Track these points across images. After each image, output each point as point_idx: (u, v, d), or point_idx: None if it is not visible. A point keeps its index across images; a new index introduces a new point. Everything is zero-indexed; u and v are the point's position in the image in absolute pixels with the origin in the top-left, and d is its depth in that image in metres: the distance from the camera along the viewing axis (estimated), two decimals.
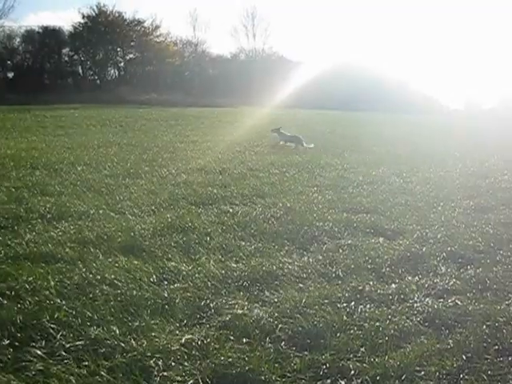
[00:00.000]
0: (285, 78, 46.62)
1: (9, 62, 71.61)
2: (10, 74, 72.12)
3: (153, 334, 4.38)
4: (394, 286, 5.53)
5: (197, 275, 5.60)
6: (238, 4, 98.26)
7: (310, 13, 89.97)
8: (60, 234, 7.05)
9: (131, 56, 73.63)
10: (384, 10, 78.36)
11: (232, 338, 4.38)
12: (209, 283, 5.41)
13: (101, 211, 8.25)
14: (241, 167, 12.84)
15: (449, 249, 6.76)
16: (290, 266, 6.00)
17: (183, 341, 4.26)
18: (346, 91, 50.67)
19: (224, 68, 64.16)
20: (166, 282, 5.42)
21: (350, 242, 7.01)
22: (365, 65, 56.56)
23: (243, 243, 6.79)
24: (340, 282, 5.63)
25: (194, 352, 4.15)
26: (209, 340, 4.31)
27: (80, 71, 74.41)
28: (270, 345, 4.30)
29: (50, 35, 69.49)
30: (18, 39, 70.82)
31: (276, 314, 4.77)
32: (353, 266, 6.07)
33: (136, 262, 5.95)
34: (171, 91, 54.77)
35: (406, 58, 60.62)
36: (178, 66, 67.20)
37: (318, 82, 47.57)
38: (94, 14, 70.56)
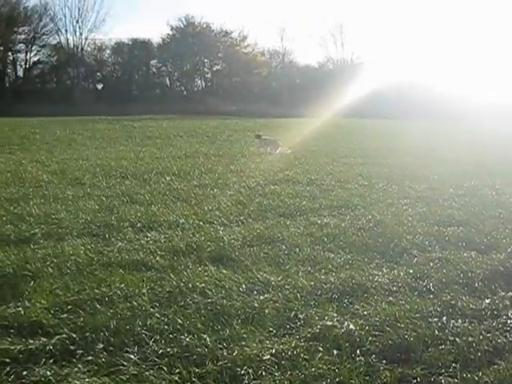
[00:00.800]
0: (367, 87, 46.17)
1: (98, 74, 74.19)
2: (99, 86, 74.67)
3: (243, 343, 4.42)
4: (487, 301, 5.37)
5: (286, 286, 5.61)
6: (325, 13, 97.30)
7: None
8: (150, 242, 7.23)
9: (218, 67, 74.78)
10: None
11: (322, 349, 4.36)
12: (298, 294, 5.41)
13: (190, 221, 8.42)
14: (329, 178, 12.78)
15: None
16: (379, 279, 5.92)
17: (273, 351, 4.28)
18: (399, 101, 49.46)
19: (311, 78, 64.00)
20: (255, 292, 5.46)
21: (440, 255, 6.84)
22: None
23: (332, 255, 6.76)
24: (431, 296, 5.50)
25: (284, 362, 4.16)
26: (299, 351, 4.32)
27: (167, 82, 76.18)
28: (360, 357, 4.26)
29: (138, 47, 71.52)
30: (108, 51, 73.46)
31: (366, 327, 4.72)
32: (444, 280, 5.93)
33: (225, 272, 6.03)
34: (258, 102, 55.23)
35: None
36: (265, 76, 67.74)
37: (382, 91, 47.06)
38: (182, 26, 72.18)
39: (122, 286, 5.55)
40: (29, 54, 70.23)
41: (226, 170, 14.30)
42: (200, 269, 6.13)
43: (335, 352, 4.32)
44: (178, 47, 69.29)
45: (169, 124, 35.31)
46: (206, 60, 74.14)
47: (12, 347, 4.33)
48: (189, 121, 39.49)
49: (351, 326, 4.72)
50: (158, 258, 6.49)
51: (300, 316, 4.94)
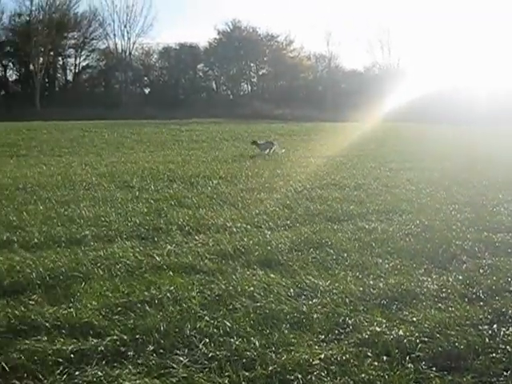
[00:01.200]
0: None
1: (146, 78, 75.01)
2: (147, 90, 75.52)
3: (292, 347, 4.42)
4: None
5: (334, 291, 5.59)
6: (370, 17, 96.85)
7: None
8: (199, 245, 7.30)
9: (264, 71, 74.82)
10: None
11: (371, 355, 4.34)
12: (347, 300, 5.39)
13: (238, 224, 8.45)
14: (376, 183, 12.68)
15: None
16: (428, 285, 5.85)
17: (323, 356, 4.27)
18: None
19: (357, 82, 63.61)
20: (303, 297, 5.45)
21: (490, 261, 6.72)
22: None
23: (380, 260, 6.70)
24: (481, 303, 5.41)
25: (333, 368, 4.15)
26: (348, 356, 4.30)
27: (214, 86, 76.54)
28: (410, 364, 4.22)
29: (185, 51, 72.01)
30: (155, 56, 74.20)
31: (416, 334, 4.67)
32: (494, 287, 5.82)
33: (273, 276, 6.03)
34: (304, 106, 55.05)
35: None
36: (311, 80, 67.60)
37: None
38: (228, 30, 72.50)
39: (172, 288, 5.61)
40: (78, 58, 71.79)
41: (273, 173, 14.32)
42: (248, 273, 6.15)
43: (385, 358, 4.29)
44: (225, 51, 69.55)
45: (215, 128, 35.48)
46: (252, 64, 74.30)
47: (64, 347, 4.41)
48: (235, 125, 39.62)
49: (400, 332, 4.68)
50: (206, 261, 6.54)
51: (349, 321, 4.91)
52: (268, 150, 20.20)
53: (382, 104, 42.33)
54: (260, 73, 74.92)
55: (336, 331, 4.74)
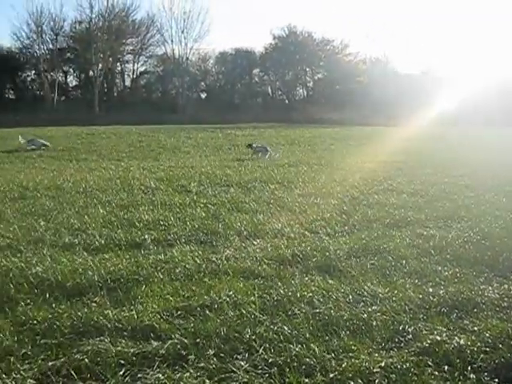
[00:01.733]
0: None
1: (202, 83, 75.80)
2: (203, 95, 76.29)
3: (351, 354, 4.41)
4: None
5: (394, 298, 5.53)
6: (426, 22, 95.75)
7: None
8: (257, 250, 7.32)
9: (320, 76, 74.69)
10: None
11: (432, 364, 4.29)
12: (406, 307, 5.33)
13: (295, 230, 8.46)
14: (433, 189, 12.49)
15: None
16: (489, 294, 5.73)
17: (383, 364, 4.24)
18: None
19: (413, 86, 62.63)
20: (362, 304, 5.42)
21: None
22: None
23: (439, 268, 6.60)
24: None
25: (393, 376, 4.12)
26: (408, 365, 4.26)
27: (269, 91, 76.81)
28: (472, 375, 4.16)
29: (241, 56, 72.58)
30: (212, 61, 75.05)
31: (477, 343, 4.59)
32: None
33: (332, 282, 6.02)
34: (359, 110, 54.60)
35: None
36: (367, 84, 66.93)
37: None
38: (284, 35, 72.66)
39: (231, 293, 5.65)
40: (136, 64, 73.37)
41: (329, 179, 14.26)
42: (307, 278, 6.15)
43: (446, 368, 4.24)
44: (280, 56, 69.79)
45: (271, 133, 35.63)
46: (307, 68, 74.26)
47: (127, 349, 4.50)
48: (290, 129, 39.72)
49: (461, 342, 4.61)
50: (265, 267, 6.56)
51: (408, 329, 4.86)
52: (261, 155, 21.38)
53: (438, 108, 41.81)
54: (315, 77, 74.87)
55: (396, 339, 4.69)
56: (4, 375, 4.19)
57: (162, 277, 6.25)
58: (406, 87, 60.54)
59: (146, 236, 8.04)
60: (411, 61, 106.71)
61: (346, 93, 64.72)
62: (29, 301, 5.59)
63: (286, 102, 73.84)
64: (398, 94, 56.78)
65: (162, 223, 8.95)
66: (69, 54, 70.06)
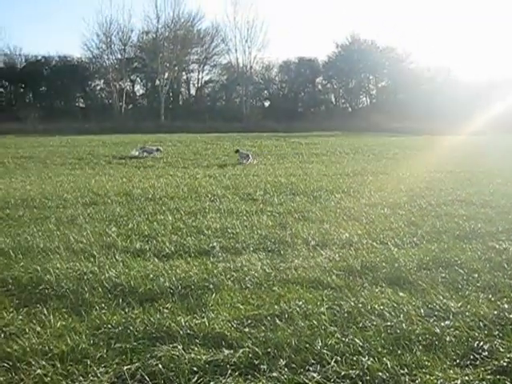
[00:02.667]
0: None
1: (265, 92, 76.27)
2: (266, 103, 76.71)
3: (425, 370, 4.33)
4: None
5: (467, 313, 5.40)
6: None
7: None
8: (326, 261, 7.29)
9: (383, 83, 74.10)
10: None
11: None
12: (480, 323, 5.19)
13: (363, 240, 8.38)
14: (504, 200, 12.10)
15: None
16: None
17: (459, 381, 4.16)
18: None
19: (478, 93, 61.19)
20: (434, 318, 5.31)
21: None
22: None
23: None
24: None
25: None
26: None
27: (333, 99, 76.63)
28: None
29: (305, 65, 72.88)
30: (275, 70, 75.41)
31: None
32: None
33: (402, 295, 5.93)
34: (423, 119, 53.83)
35: None
36: (431, 92, 65.91)
37: None
38: (347, 43, 72.53)
39: (300, 303, 5.64)
40: (201, 73, 74.60)
41: (395, 188, 14.09)
42: (377, 290, 6.08)
43: None
44: (344, 64, 69.70)
45: (334, 141, 35.47)
46: (371, 76, 73.89)
47: (199, 356, 4.54)
48: (354, 138, 39.46)
49: None
50: (333, 277, 6.51)
51: (484, 346, 4.73)
52: (245, 160, 23.05)
53: (504, 116, 40.92)
54: (379, 85, 74.36)
55: (471, 356, 4.57)
56: (81, 377, 4.29)
57: (231, 285, 6.30)
58: (471, 95, 59.39)
59: (215, 243, 8.12)
60: (476, 68, 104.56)
61: (409, 101, 63.82)
62: (103, 305, 5.73)
63: (349, 110, 73.55)
64: (463, 101, 55.65)
65: (229, 231, 9.02)
66: (136, 64, 71.98)
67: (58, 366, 4.43)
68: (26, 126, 50.97)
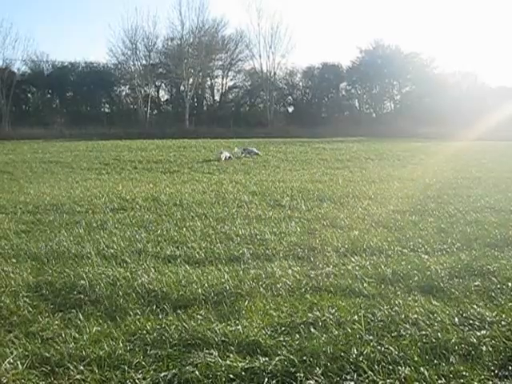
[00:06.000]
0: None
1: (289, 97, 76.30)
2: (290, 109, 76.75)
3: (462, 381, 4.31)
4: None
5: (502, 323, 5.34)
6: None
7: None
8: (356, 268, 7.26)
9: (407, 89, 73.63)
10: None
11: None
12: None
13: (393, 247, 8.34)
14: None
15: None
16: None
17: None
18: None
19: (505, 99, 60.50)
20: (469, 327, 5.27)
21: None
22: None
23: None
24: None
25: None
26: None
27: (356, 105, 76.42)
28: None
29: (328, 70, 72.74)
30: (299, 75, 75.39)
31: None
32: None
33: (436, 303, 5.89)
34: (449, 124, 53.24)
35: None
36: (456, 98, 65.37)
37: None
38: (371, 48, 72.29)
39: (334, 311, 5.64)
40: (225, 79, 74.92)
41: (422, 195, 13.99)
42: (410, 298, 6.04)
43: None
44: (367, 69, 69.32)
45: (359, 146, 35.29)
46: (395, 82, 73.41)
47: (235, 364, 4.56)
48: (378, 143, 39.22)
49: None
50: (365, 285, 6.50)
51: None
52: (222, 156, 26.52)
53: None
54: (403, 90, 73.87)
55: (509, 367, 4.54)
56: (119, 383, 4.33)
57: (264, 292, 6.31)
58: (498, 101, 58.75)
59: (245, 250, 8.14)
60: (503, 74, 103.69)
61: (434, 106, 63.30)
62: (137, 311, 5.78)
63: (374, 115, 73.17)
64: (490, 107, 55.01)
65: (258, 237, 9.03)
66: (161, 70, 72.35)
67: (96, 371, 4.49)
68: (52, 131, 52.35)
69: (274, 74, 71.84)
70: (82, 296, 6.21)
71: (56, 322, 5.50)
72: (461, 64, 74.23)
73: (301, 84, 76.54)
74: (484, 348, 4.81)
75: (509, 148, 33.28)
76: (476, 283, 6.59)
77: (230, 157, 27.15)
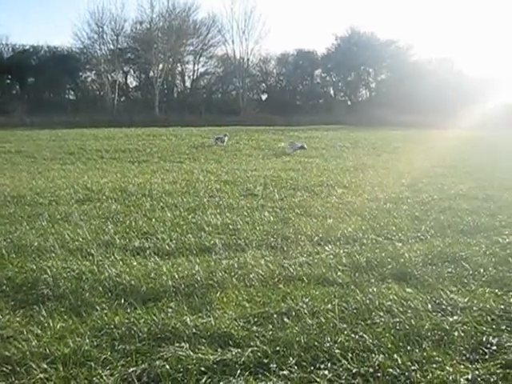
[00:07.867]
0: None
1: (263, 85, 75.77)
2: (264, 96, 76.24)
3: (435, 365, 4.28)
4: None
5: (474, 308, 5.35)
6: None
7: None
8: (330, 257, 7.20)
9: (383, 76, 73.60)
10: None
11: None
12: (488, 318, 5.14)
13: (367, 236, 8.30)
14: (507, 194, 12.04)
15: None
16: None
17: (469, 376, 4.12)
18: None
19: (484, 88, 60.69)
20: (442, 313, 5.25)
21: None
22: None
23: None
24: None
25: None
26: (495, 378, 4.13)
27: (331, 92, 76.20)
28: None
29: (303, 57, 72.24)
30: (273, 62, 74.75)
31: None
32: None
33: (409, 290, 5.86)
34: (425, 112, 53.26)
35: None
36: (433, 85, 65.59)
37: None
38: (346, 35, 71.95)
39: (307, 300, 5.56)
40: (196, 65, 73.40)
41: (397, 183, 14.01)
42: (383, 286, 6.00)
43: None
44: (343, 57, 68.93)
45: (334, 135, 35.29)
46: (370, 69, 73.31)
47: (207, 356, 4.45)
48: (354, 131, 39.24)
49: None
50: (339, 274, 6.44)
51: (492, 341, 4.69)
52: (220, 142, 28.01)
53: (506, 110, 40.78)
54: (379, 78, 73.82)
55: (480, 351, 4.53)
56: (86, 381, 4.20)
57: (236, 282, 6.21)
58: (475, 89, 59.01)
59: (217, 240, 8.02)
60: (479, 62, 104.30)
61: (410, 94, 63.15)
62: (104, 305, 5.62)
63: (349, 103, 73.02)
64: (466, 95, 55.26)
65: (230, 227, 8.94)
66: (129, 55, 69.89)
67: (61, 369, 4.33)
68: (12, 119, 49.23)
69: (248, 60, 70.90)
70: (46, 291, 5.98)
71: (17, 319, 5.30)
72: (437, 50, 74.20)
73: (275, 71, 75.81)
74: (456, 333, 4.80)
75: (487, 137, 33.40)
76: (449, 270, 6.60)
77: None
